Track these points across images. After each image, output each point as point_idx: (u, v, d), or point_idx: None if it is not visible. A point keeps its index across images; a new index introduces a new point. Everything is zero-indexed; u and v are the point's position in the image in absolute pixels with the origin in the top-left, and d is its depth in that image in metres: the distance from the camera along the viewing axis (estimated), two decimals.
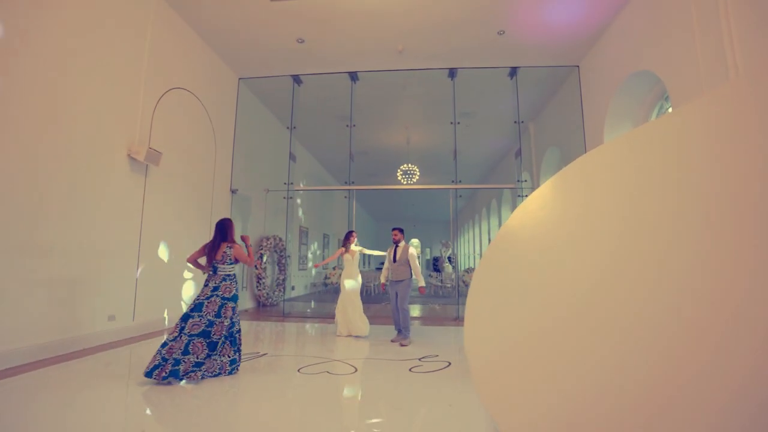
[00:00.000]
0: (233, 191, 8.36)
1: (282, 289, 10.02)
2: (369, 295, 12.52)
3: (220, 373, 3.72)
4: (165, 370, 3.43)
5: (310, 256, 13.60)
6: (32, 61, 4.15)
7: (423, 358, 4.70)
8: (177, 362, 3.49)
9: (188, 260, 4.06)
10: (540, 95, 9.26)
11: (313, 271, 13.87)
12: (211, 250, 3.96)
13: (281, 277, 10.07)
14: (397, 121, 11.00)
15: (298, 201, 12.20)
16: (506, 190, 13.02)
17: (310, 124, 10.41)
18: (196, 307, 3.77)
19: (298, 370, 4.11)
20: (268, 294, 9.42)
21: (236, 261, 4.03)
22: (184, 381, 3.53)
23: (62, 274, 4.49)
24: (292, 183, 8.59)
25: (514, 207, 11.79)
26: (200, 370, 3.59)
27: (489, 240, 16.92)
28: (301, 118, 9.40)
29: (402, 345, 5.44)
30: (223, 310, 3.83)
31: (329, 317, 7.83)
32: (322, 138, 11.90)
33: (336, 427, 2.76)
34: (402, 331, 5.70)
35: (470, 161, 14.39)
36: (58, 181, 4.43)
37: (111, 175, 5.18)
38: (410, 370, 4.19)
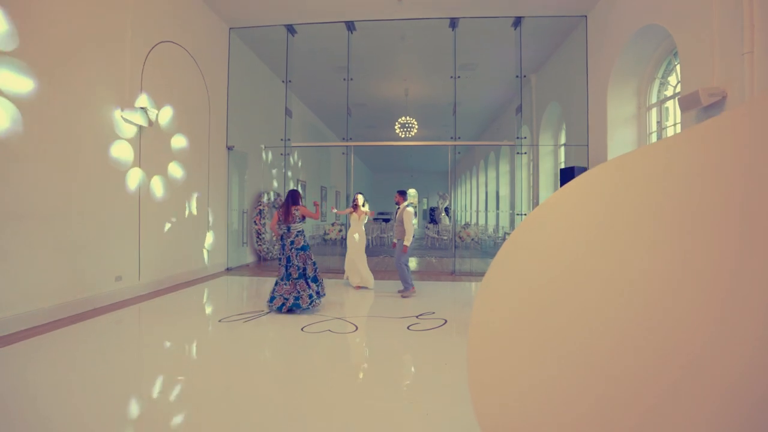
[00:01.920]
0: (229, 148, 8.25)
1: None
2: (366, 247, 12.77)
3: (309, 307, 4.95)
4: (288, 304, 4.82)
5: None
6: (11, 17, 3.93)
7: (420, 315, 4.94)
8: (297, 298, 4.88)
9: (272, 228, 5.35)
10: (544, 47, 8.89)
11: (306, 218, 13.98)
12: (284, 214, 5.06)
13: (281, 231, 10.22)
14: (396, 73, 10.62)
15: (295, 156, 12.07)
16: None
17: (306, 76, 10.04)
18: (288, 260, 5.02)
19: (302, 329, 4.32)
20: (267, 249, 9.61)
21: (303, 219, 5.17)
22: (307, 310, 4.96)
23: (66, 238, 4.56)
24: (289, 139, 8.46)
25: (512, 162, 11.73)
26: (310, 300, 4.92)
27: (486, 193, 16.99)
28: (297, 71, 9.05)
29: (403, 297, 5.91)
30: (299, 255, 5.05)
31: (329, 271, 8.06)
32: (318, 90, 11.53)
33: (336, 387, 2.97)
34: (405, 284, 6.12)
35: (470, 114, 14.07)
36: (51, 145, 4.37)
37: (104, 136, 5.09)
38: (408, 328, 4.42)
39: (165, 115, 6.21)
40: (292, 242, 5.05)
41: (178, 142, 6.64)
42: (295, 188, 5.28)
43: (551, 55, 9.34)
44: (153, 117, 5.59)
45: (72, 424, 2.32)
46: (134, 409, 2.58)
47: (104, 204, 5.10)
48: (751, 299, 0.91)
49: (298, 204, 5.10)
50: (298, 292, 4.91)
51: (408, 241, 5.90)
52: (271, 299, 4.94)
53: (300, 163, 12.63)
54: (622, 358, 0.99)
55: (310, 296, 4.92)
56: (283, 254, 5.06)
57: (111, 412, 2.49)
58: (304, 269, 5.05)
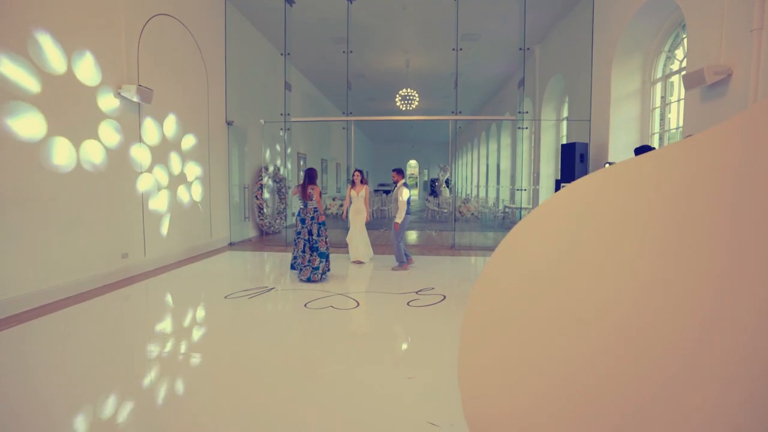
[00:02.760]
0: (229, 123, 8.18)
1: (283, 217, 10.31)
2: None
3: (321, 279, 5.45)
4: (307, 274, 5.34)
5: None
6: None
7: (420, 291, 5.07)
8: (316, 268, 5.38)
9: (293, 194, 5.82)
10: (549, 16, 8.63)
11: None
12: (302, 192, 5.50)
13: (282, 206, 10.30)
14: (397, 44, 10.35)
15: (293, 131, 11.94)
16: (507, 114, 12.72)
17: (306, 47, 9.80)
18: (309, 233, 5.50)
19: (305, 305, 4.46)
20: (269, 223, 9.71)
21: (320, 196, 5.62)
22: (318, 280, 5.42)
23: (72, 219, 4.63)
24: (288, 114, 8.37)
25: (514, 135, 11.63)
26: (319, 272, 5.41)
27: (487, 165, 16.91)
28: (296, 42, 8.83)
29: (393, 270, 6.21)
30: (320, 231, 5.53)
31: (330, 245, 8.17)
32: (318, 62, 11.28)
33: (336, 363, 3.11)
34: (398, 260, 6.39)
35: (472, 85, 13.81)
36: (53, 128, 4.36)
37: (104, 116, 5.06)
38: (408, 304, 4.56)
39: (163, 92, 6.13)
40: (312, 218, 5.54)
41: (178, 118, 6.59)
42: (312, 167, 5.81)
43: (556, 26, 9.09)
44: (152, 95, 5.52)
45: (88, 395, 2.47)
46: (144, 382, 2.72)
47: (108, 184, 5.13)
48: (739, 300, 0.97)
49: (314, 183, 5.53)
50: (317, 264, 5.42)
51: (399, 219, 6.07)
52: (292, 267, 5.60)
53: (300, 136, 12.53)
54: (614, 357, 1.06)
55: (319, 268, 5.42)
56: (303, 227, 5.52)
57: (119, 387, 2.63)
58: (317, 242, 5.52)
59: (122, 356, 3.14)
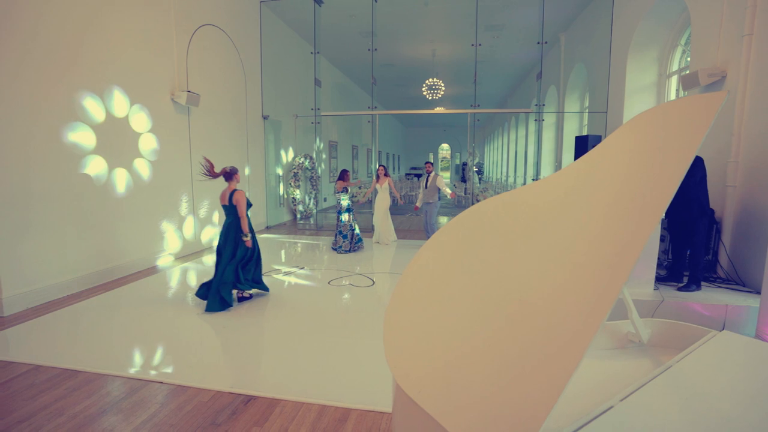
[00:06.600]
0: (265, 117, 8.97)
1: (315, 203, 11.13)
2: (395, 205, 13.50)
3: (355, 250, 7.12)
4: (347, 245, 6.99)
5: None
6: (70, 15, 4.69)
7: None
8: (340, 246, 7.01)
9: (338, 188, 7.18)
10: (575, 4, 8.69)
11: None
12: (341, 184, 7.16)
13: (314, 192, 11.11)
14: (422, 35, 10.71)
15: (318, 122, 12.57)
16: (534, 102, 12.77)
17: (335, 42, 10.37)
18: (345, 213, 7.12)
19: (329, 283, 5.21)
20: (303, 209, 10.55)
21: (345, 190, 7.07)
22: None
23: (140, 209, 5.57)
24: (318, 108, 9.05)
25: (539, 125, 11.76)
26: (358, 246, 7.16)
27: (516, 152, 16.97)
28: (326, 37, 9.41)
29: None
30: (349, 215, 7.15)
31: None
32: (347, 54, 11.83)
33: (347, 329, 3.82)
34: None
35: (498, 75, 13.92)
36: (123, 136, 5.26)
37: (160, 120, 5.93)
38: None
39: (208, 94, 6.94)
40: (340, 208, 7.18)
41: (221, 117, 7.42)
42: (345, 168, 7.58)
43: (580, 14, 9.12)
44: (199, 99, 6.33)
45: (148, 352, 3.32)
46: (202, 343, 3.55)
47: (162, 180, 6.04)
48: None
49: (341, 179, 7.10)
50: (342, 240, 7.04)
51: (449, 191, 7.18)
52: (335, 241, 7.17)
53: (332, 125, 13.22)
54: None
55: (347, 241, 7.06)
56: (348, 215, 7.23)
57: (178, 344, 3.47)
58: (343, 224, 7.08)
59: (177, 322, 4.01)
